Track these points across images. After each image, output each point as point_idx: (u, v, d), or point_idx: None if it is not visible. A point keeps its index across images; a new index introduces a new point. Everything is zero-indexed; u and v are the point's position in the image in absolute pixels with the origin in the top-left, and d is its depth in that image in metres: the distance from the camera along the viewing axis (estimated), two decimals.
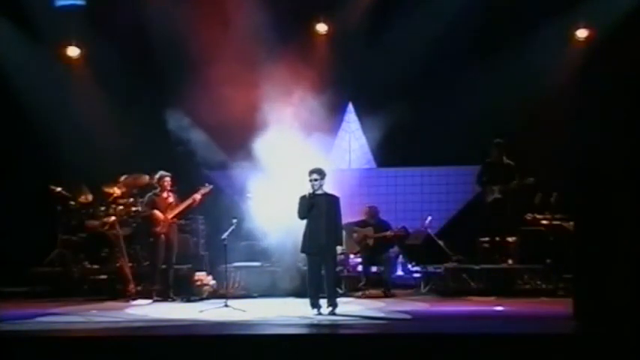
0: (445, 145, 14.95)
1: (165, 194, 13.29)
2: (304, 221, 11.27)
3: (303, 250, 11.34)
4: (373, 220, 13.90)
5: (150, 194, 13.42)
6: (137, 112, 14.98)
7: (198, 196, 13.26)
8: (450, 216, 15.60)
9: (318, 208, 11.14)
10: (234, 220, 12.47)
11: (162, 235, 13.16)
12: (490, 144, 14.05)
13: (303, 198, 11.21)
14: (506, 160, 14.08)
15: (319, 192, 11.21)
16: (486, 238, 14.12)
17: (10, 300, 12.98)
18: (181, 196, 13.39)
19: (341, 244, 11.58)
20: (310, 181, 11.18)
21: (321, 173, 11.25)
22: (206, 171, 14.85)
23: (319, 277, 11.27)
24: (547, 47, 14.95)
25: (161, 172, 13.32)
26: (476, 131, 14.48)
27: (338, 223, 11.36)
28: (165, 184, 13.28)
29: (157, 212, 13.16)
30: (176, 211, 13.27)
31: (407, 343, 9.01)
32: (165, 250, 13.18)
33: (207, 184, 13.45)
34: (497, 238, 14.06)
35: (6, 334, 9.90)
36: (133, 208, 13.92)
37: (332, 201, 11.28)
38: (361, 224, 13.86)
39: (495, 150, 14.05)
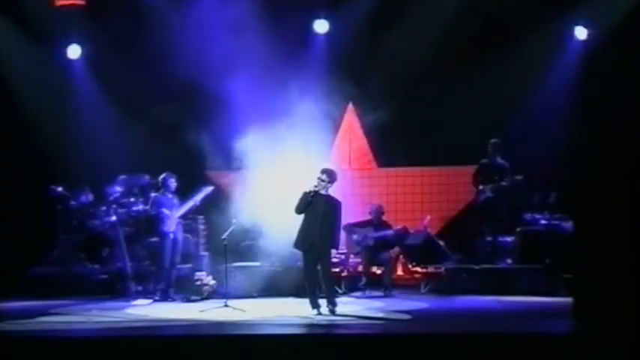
0: (445, 145, 14.97)
1: (169, 195, 13.30)
2: (295, 213, 11.27)
3: (295, 246, 11.36)
4: (376, 218, 13.91)
5: (155, 194, 13.42)
6: (137, 112, 14.98)
7: (198, 199, 13.28)
8: (450, 216, 15.59)
9: (315, 208, 11.13)
10: (234, 220, 12.49)
11: (171, 234, 13.17)
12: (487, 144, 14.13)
13: (305, 194, 11.21)
14: (500, 160, 14.14)
15: (322, 192, 11.21)
16: (489, 238, 14.17)
17: (10, 300, 12.99)
18: (181, 197, 13.39)
19: (335, 248, 11.61)
20: (318, 178, 11.19)
21: (330, 176, 11.23)
22: (207, 171, 14.87)
23: (314, 274, 11.26)
24: (547, 47, 14.96)
25: (167, 173, 13.31)
26: (476, 131, 14.49)
27: (334, 228, 11.25)
28: (171, 185, 13.29)
29: (166, 211, 13.16)
30: (180, 211, 13.28)
31: (407, 343, 9.02)
32: (172, 250, 13.20)
33: (207, 186, 13.44)
34: (490, 238, 14.12)
35: (6, 334, 9.91)
36: (134, 208, 13.93)
37: (332, 204, 11.24)
38: (366, 223, 13.86)
39: (491, 149, 14.11)
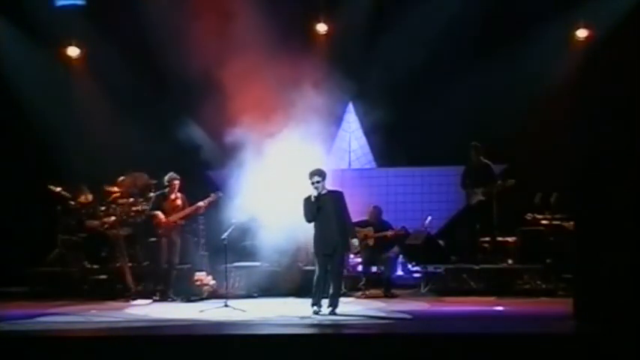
0: (445, 145, 14.96)
1: (173, 196, 13.26)
2: (305, 221, 11.24)
3: (317, 253, 11.27)
4: (375, 220, 13.90)
5: (157, 194, 13.40)
6: (137, 112, 14.99)
7: (202, 205, 13.20)
8: (450, 216, 15.59)
9: (325, 209, 11.12)
10: (234, 220, 12.47)
11: (164, 238, 13.14)
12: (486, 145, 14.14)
13: (308, 200, 11.17)
14: (483, 160, 14.13)
15: (323, 192, 11.20)
16: (486, 238, 14.17)
17: (10, 300, 12.99)
18: (188, 198, 13.34)
19: (356, 237, 11.57)
20: (313, 183, 11.15)
21: (321, 174, 11.23)
22: (207, 171, 14.87)
23: (326, 275, 11.23)
24: (547, 47, 14.97)
25: (171, 174, 13.24)
26: (476, 131, 14.49)
27: (347, 219, 11.32)
28: (175, 185, 13.24)
29: (159, 214, 13.12)
30: (181, 214, 13.24)
31: (407, 343, 9.02)
32: (168, 251, 13.16)
33: (216, 192, 13.32)
34: (488, 239, 14.11)
35: (6, 334, 9.91)
36: (133, 208, 13.92)
37: (337, 197, 11.27)
38: (363, 224, 13.86)
39: (473, 152, 14.11)
